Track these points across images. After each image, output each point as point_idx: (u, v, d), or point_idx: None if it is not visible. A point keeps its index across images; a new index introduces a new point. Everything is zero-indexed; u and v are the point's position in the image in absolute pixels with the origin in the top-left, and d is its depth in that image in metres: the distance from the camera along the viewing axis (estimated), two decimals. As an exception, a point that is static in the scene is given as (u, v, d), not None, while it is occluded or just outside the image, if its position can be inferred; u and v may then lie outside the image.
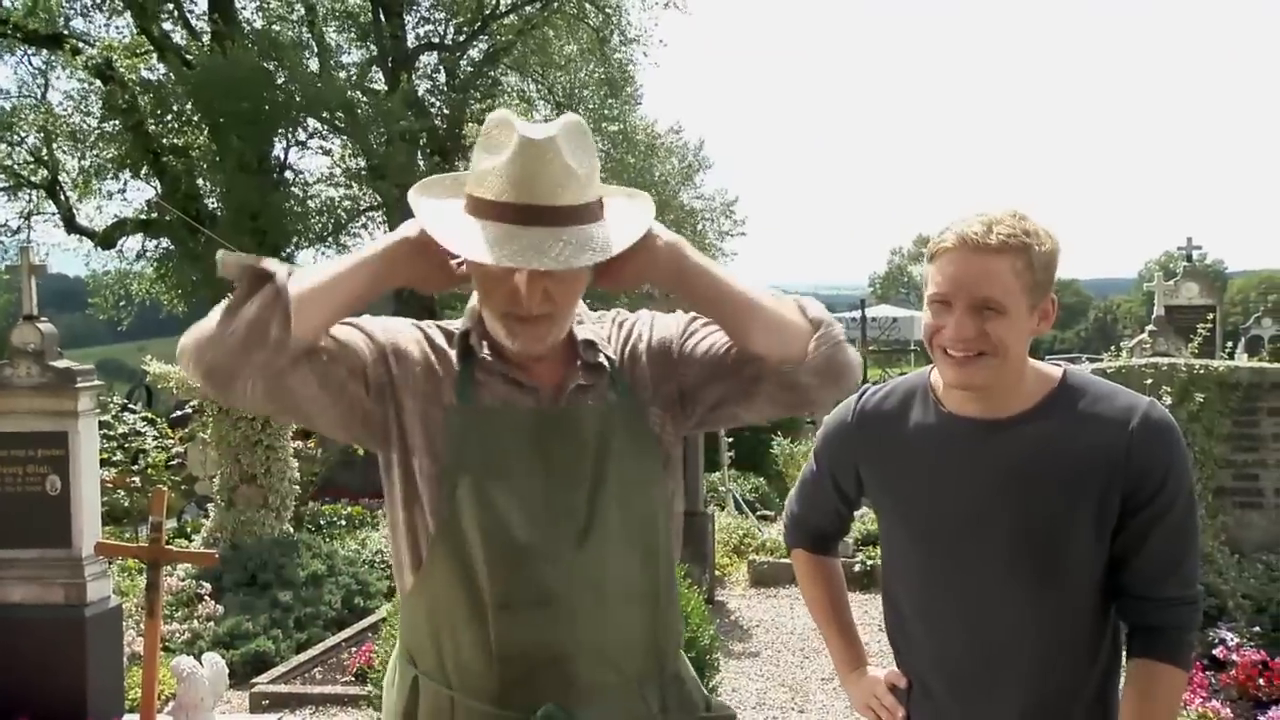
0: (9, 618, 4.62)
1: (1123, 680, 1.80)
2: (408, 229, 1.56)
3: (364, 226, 20.94)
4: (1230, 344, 9.02)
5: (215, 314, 1.45)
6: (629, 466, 1.60)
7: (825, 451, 1.99)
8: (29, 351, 4.72)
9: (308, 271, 1.52)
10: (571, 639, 1.55)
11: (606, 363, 1.64)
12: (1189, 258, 13.34)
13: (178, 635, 6.04)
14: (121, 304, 20.61)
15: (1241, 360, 12.02)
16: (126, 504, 9.42)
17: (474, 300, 1.65)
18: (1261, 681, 4.67)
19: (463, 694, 1.56)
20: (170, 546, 4.42)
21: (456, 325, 1.67)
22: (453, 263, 1.57)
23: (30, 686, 4.48)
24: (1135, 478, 1.69)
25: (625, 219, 1.57)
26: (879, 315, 17.47)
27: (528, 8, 21.35)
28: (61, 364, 4.75)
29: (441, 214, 1.55)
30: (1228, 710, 4.50)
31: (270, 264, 1.45)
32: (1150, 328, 8.56)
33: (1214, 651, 5.00)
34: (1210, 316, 8.44)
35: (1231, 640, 5.03)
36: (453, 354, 1.62)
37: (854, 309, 13.83)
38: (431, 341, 1.64)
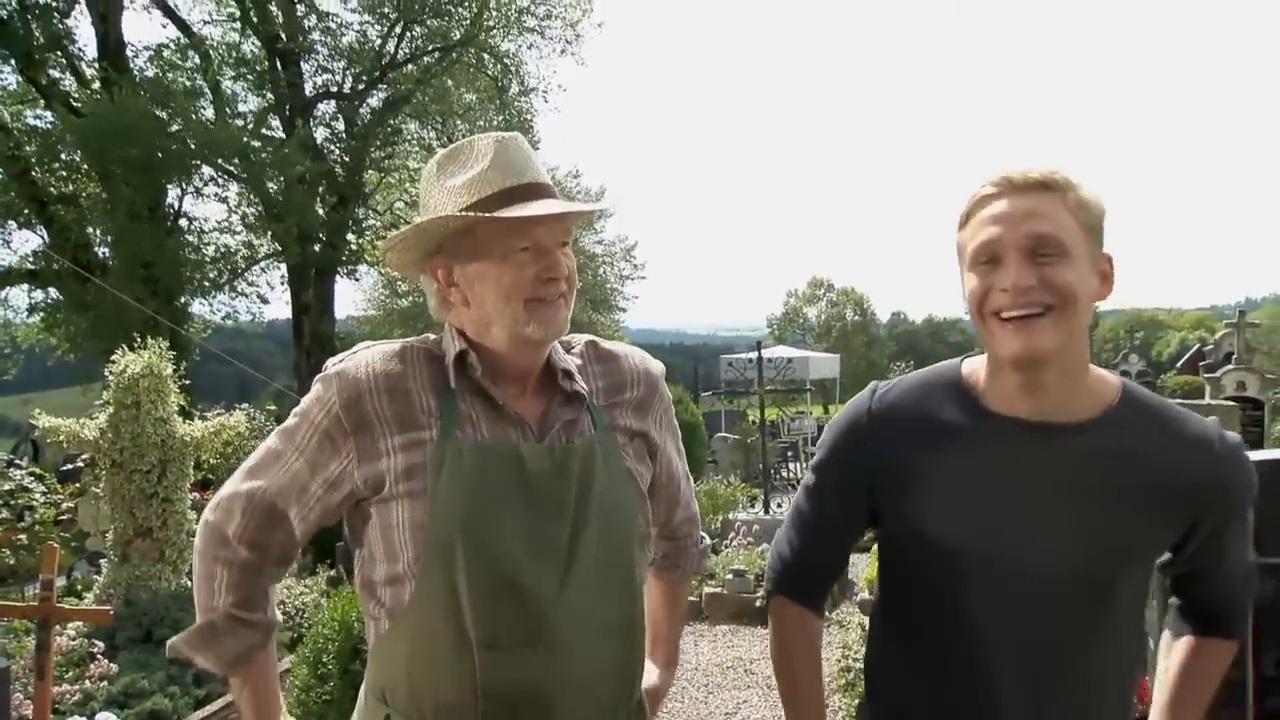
0: (-113, 685, 4.36)
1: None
2: None
3: (262, 272, 20.57)
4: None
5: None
6: (609, 501, 1.60)
7: (835, 456, 1.66)
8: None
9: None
10: (555, 675, 1.53)
11: (585, 392, 1.66)
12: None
13: (69, 696, 5.78)
14: (6, 353, 19.81)
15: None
16: (12, 562, 9.01)
17: (451, 332, 1.64)
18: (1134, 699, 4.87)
19: None
20: (61, 604, 4.27)
21: (434, 347, 1.65)
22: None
23: (-90, 756, 4.25)
24: (1218, 498, 1.52)
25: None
26: (774, 356, 17.82)
27: (426, 58, 21.40)
28: (-55, 419, 4.57)
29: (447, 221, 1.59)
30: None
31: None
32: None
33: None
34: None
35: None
36: (431, 383, 1.59)
37: (752, 350, 14.16)
38: (406, 379, 1.59)
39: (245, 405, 10.14)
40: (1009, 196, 1.45)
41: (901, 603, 1.64)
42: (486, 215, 1.53)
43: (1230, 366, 12.64)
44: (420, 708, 1.54)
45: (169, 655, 1.66)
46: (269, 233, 19.14)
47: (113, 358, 6.91)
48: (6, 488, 10.07)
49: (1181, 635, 1.70)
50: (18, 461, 12.42)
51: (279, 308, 21.95)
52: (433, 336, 1.68)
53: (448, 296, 1.62)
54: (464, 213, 1.55)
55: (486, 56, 21.89)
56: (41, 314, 18.87)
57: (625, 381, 1.73)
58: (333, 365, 1.61)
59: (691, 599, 8.05)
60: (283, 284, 20.97)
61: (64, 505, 10.08)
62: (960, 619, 1.53)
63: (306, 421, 1.59)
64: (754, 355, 12.78)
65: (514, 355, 1.60)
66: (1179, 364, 31.00)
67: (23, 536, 9.03)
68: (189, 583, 7.10)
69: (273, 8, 20.13)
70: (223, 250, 19.50)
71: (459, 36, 21.26)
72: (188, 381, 7.62)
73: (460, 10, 21.38)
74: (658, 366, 1.81)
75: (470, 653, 1.50)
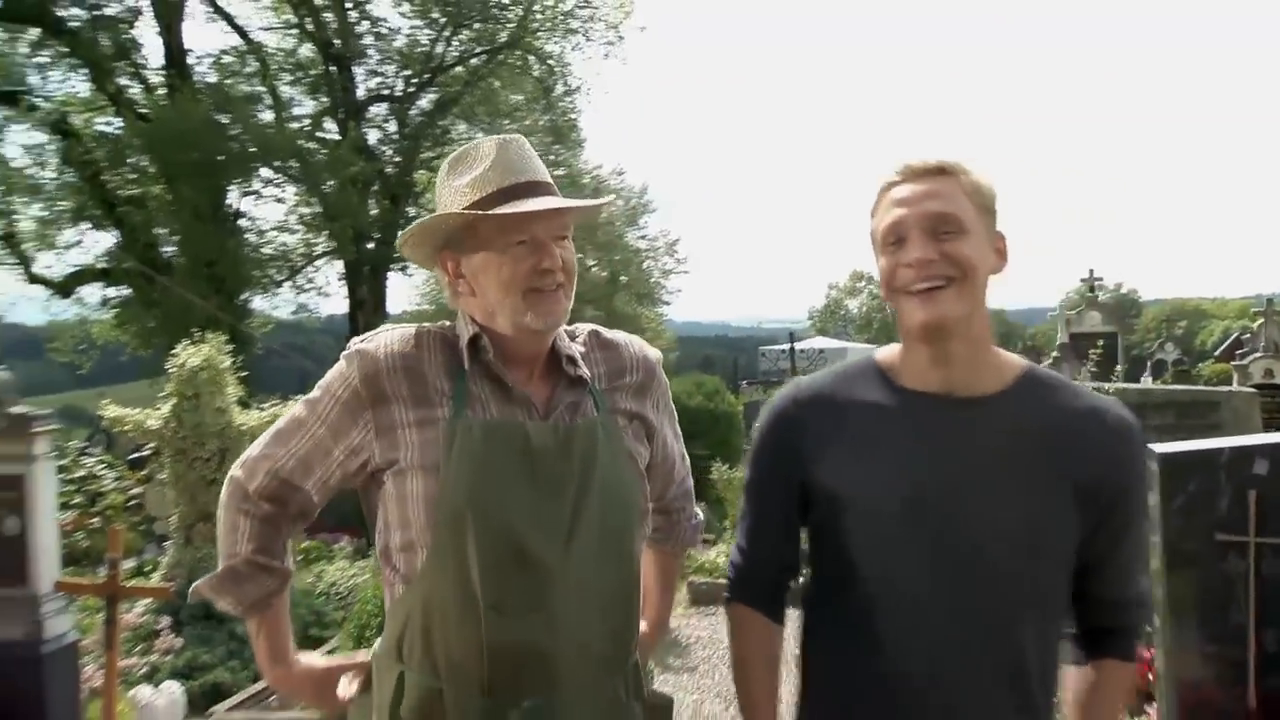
0: (-31, 655, 4.59)
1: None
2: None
3: (316, 271, 20.94)
4: (1124, 365, 9.38)
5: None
6: (610, 478, 1.66)
7: (766, 448, 1.71)
8: (-15, 399, 4.73)
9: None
10: (556, 638, 1.59)
11: (588, 377, 1.74)
12: (1091, 289, 13.86)
13: (137, 669, 6.01)
14: (82, 349, 20.35)
15: (1147, 382, 12.46)
16: (86, 545, 9.32)
17: (464, 318, 1.72)
18: (1151, 677, 4.86)
19: (452, 686, 1.61)
20: (125, 583, 4.47)
21: (449, 332, 1.73)
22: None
23: (-10, 720, 4.47)
24: (1110, 470, 1.54)
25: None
26: (807, 348, 17.80)
27: (473, 60, 21.58)
28: (17, 409, 4.76)
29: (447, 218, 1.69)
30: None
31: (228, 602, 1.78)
32: (1054, 353, 8.89)
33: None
34: (1100, 342, 8.81)
35: (1127, 640, 5.25)
36: (444, 365, 1.68)
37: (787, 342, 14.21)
38: (421, 361, 1.68)
39: (299, 397, 10.36)
40: (910, 182, 1.54)
41: (831, 582, 1.64)
42: (481, 213, 1.63)
43: (1258, 354, 12.43)
44: (433, 665, 1.63)
45: (191, 600, 1.78)
46: (326, 231, 19.48)
47: (172, 351, 7.15)
48: (79, 475, 10.41)
49: (1078, 663, 1.67)
50: (91, 450, 12.83)
51: (339, 303, 22.26)
52: (447, 323, 1.77)
53: (457, 287, 1.72)
54: (462, 211, 1.65)
55: (532, 58, 22.02)
56: (115, 310, 19.37)
57: (625, 367, 1.81)
58: (355, 344, 1.72)
59: (724, 580, 8.13)
60: (340, 281, 21.35)
61: (134, 491, 10.39)
62: (887, 589, 1.55)
63: (328, 394, 1.70)
64: (787, 346, 12.80)
65: (518, 342, 1.69)
66: (1218, 352, 30.42)
67: (95, 520, 9.33)
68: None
69: (327, 14, 20.45)
70: (281, 249, 19.88)
71: (506, 39, 21.42)
72: (245, 373, 7.84)
73: (507, 14, 21.53)
74: (655, 354, 1.89)
75: (477, 615, 1.58)
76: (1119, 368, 8.67)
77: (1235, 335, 31.61)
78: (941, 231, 1.50)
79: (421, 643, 1.63)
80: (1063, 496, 1.52)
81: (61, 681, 4.75)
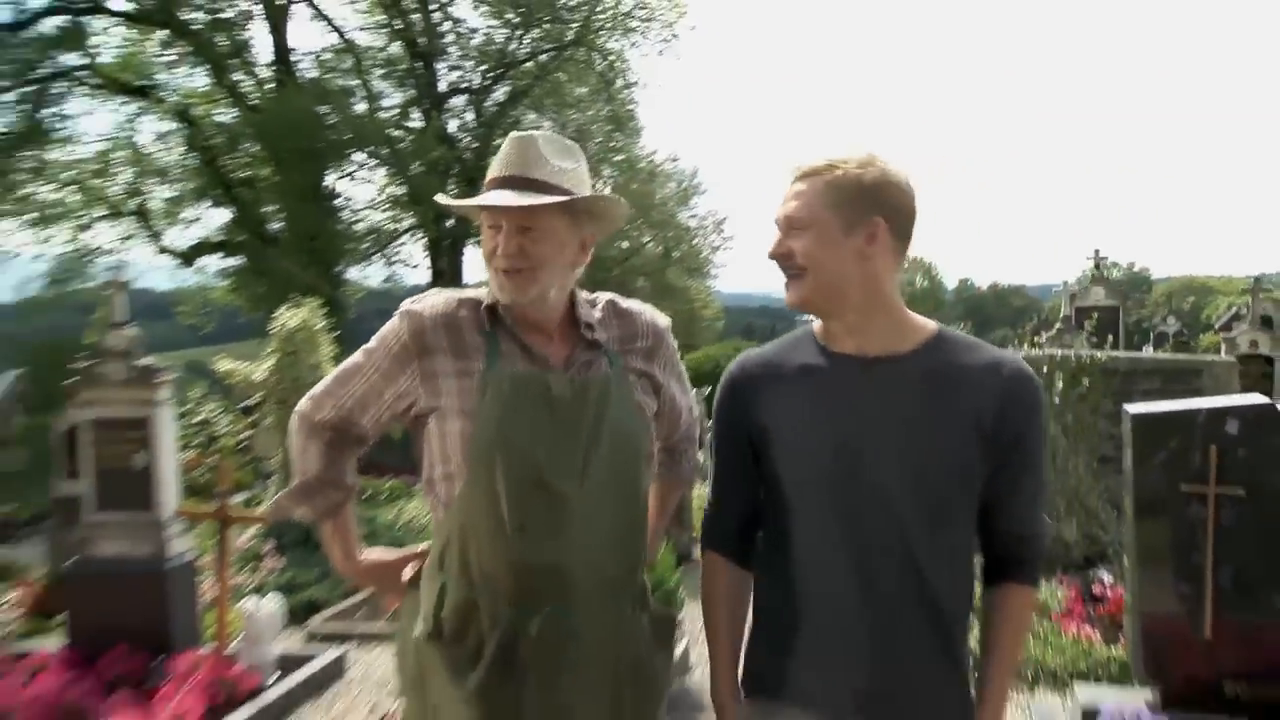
0: (105, 569, 4.86)
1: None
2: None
3: (403, 245, 21.22)
4: (1133, 336, 9.29)
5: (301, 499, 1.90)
6: (619, 424, 1.73)
7: (721, 409, 1.75)
8: (117, 352, 4.96)
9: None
10: (571, 557, 1.67)
11: (603, 341, 1.80)
12: (1096, 266, 13.69)
13: (246, 585, 6.30)
14: (204, 312, 20.93)
15: (1147, 352, 12.24)
16: (206, 480, 9.71)
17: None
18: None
19: (484, 595, 1.69)
20: (232, 511, 4.71)
21: (483, 297, 1.80)
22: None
23: (124, 623, 4.70)
24: (1004, 412, 1.55)
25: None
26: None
27: (542, 56, 21.58)
28: (143, 362, 4.98)
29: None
30: (1098, 634, 4.75)
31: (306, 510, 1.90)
32: (1058, 325, 8.81)
33: (1093, 589, 5.24)
34: (1094, 314, 8.74)
35: (1108, 580, 5.28)
36: (477, 325, 1.76)
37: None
38: (460, 320, 1.77)
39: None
40: (792, 183, 1.61)
41: (773, 524, 1.68)
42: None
43: (1244, 327, 12.15)
44: (468, 577, 1.74)
45: (273, 514, 1.91)
46: (411, 211, 19.75)
47: (273, 314, 7.41)
48: (199, 420, 10.81)
49: (986, 587, 1.70)
50: (209, 399, 13.28)
51: (423, 274, 22.57)
52: (485, 289, 1.85)
53: None
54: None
55: (595, 54, 21.95)
56: (230, 278, 19.89)
57: (637, 333, 1.88)
58: (406, 304, 1.83)
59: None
60: (425, 254, 21.65)
61: (244, 435, 10.76)
62: (812, 525, 1.59)
63: (382, 345, 1.81)
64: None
65: (512, 310, 1.78)
66: (1218, 325, 29.59)
67: (213, 459, 9.70)
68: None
69: (414, 15, 20.58)
70: (372, 226, 20.19)
71: (571, 37, 21.38)
72: (339, 334, 8.08)
73: (573, 15, 21.49)
74: (664, 321, 1.97)
75: (505, 536, 1.69)
76: (1110, 338, 8.59)
77: (1235, 310, 30.66)
78: (792, 229, 1.59)
79: (459, 559, 1.73)
80: (964, 438, 1.54)
81: (182, 593, 4.99)
